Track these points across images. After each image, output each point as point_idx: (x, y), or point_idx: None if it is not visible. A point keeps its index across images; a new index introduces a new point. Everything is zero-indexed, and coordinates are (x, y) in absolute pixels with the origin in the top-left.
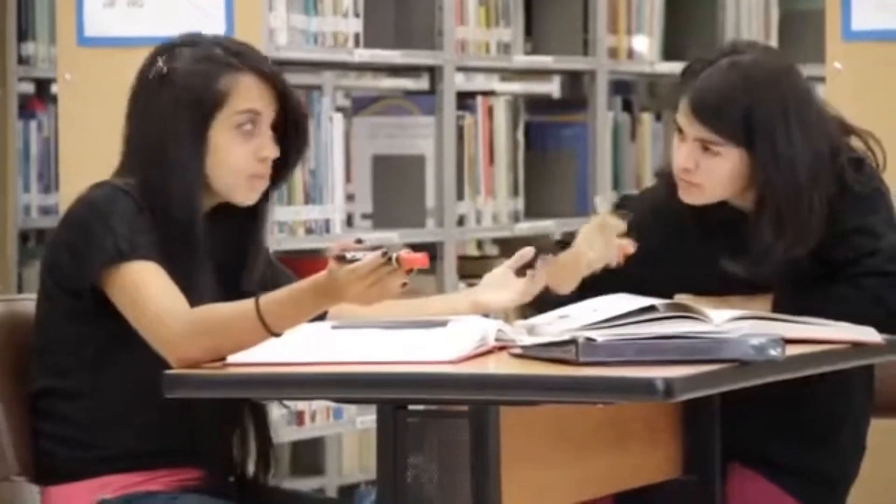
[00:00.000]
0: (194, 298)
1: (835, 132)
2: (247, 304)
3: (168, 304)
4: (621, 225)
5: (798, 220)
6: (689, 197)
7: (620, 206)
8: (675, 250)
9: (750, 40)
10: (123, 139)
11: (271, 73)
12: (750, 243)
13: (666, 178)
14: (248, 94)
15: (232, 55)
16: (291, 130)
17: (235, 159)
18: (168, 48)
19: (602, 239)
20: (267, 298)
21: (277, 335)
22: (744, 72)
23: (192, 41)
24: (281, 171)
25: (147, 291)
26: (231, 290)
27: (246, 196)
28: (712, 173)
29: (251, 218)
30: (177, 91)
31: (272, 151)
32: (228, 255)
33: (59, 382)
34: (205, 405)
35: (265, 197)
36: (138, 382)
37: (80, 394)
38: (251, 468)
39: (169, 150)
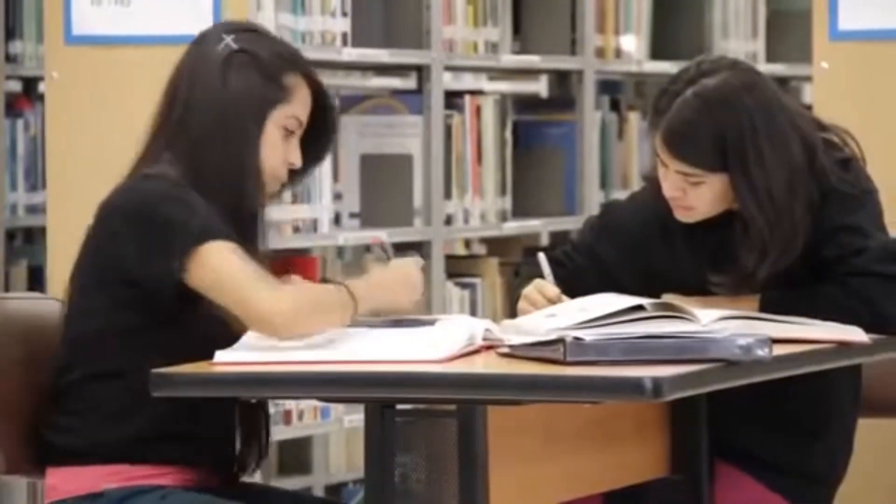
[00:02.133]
0: None
1: (810, 133)
2: (336, 286)
3: (266, 283)
4: (555, 292)
5: (780, 240)
6: (684, 217)
7: (607, 212)
8: (662, 252)
9: (716, 57)
10: (160, 118)
11: (322, 86)
12: (734, 260)
13: (651, 182)
14: (302, 101)
15: (297, 58)
16: (317, 141)
17: (271, 157)
18: (233, 29)
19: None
20: (350, 282)
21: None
22: (708, 100)
23: (254, 27)
24: (293, 176)
25: (238, 272)
26: None
27: (264, 196)
28: (700, 198)
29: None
30: (248, 73)
31: (298, 161)
32: None
33: (98, 367)
34: (209, 399)
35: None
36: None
37: (117, 375)
38: (246, 467)
39: (234, 130)
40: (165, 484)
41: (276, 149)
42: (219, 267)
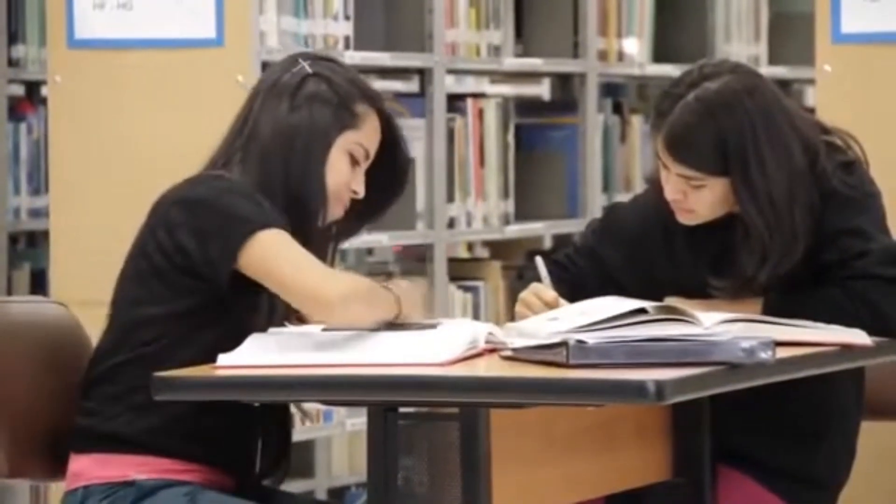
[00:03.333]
0: None
1: (812, 136)
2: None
3: (323, 269)
4: (552, 295)
5: (780, 244)
6: (685, 219)
7: (609, 214)
8: (664, 255)
9: (718, 60)
10: (234, 134)
11: (395, 122)
12: (734, 264)
13: (653, 184)
14: (371, 131)
15: (372, 91)
16: (388, 182)
17: (335, 180)
18: (311, 56)
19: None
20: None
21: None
22: (709, 105)
23: (333, 58)
24: (364, 218)
25: (297, 255)
26: None
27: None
28: (701, 201)
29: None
30: (322, 96)
31: (361, 190)
32: None
33: (142, 352)
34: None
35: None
36: (208, 360)
37: (157, 361)
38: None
39: (300, 146)
40: (191, 480)
41: (341, 173)
42: (276, 252)
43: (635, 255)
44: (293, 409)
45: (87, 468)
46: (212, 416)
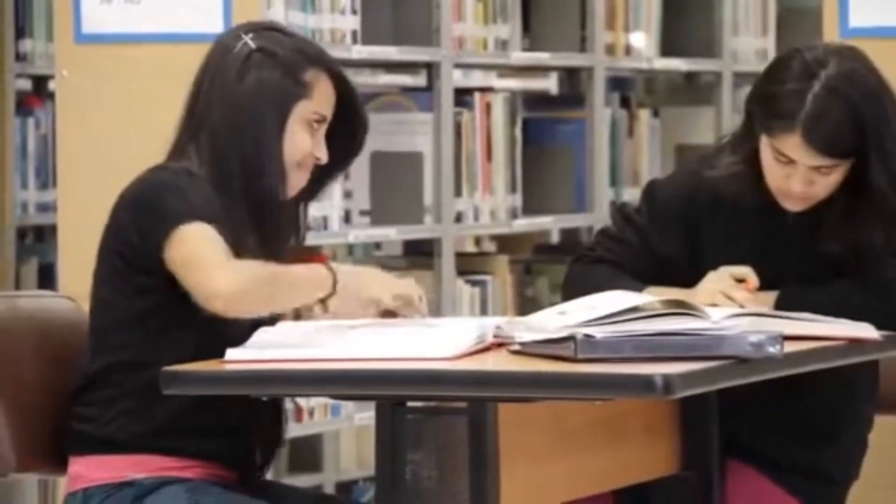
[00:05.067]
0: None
1: None
2: (312, 266)
3: (219, 257)
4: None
5: None
6: (798, 206)
7: (649, 191)
8: (706, 234)
9: (809, 45)
10: (186, 116)
11: (347, 81)
12: (857, 239)
13: (702, 163)
14: (325, 96)
15: (319, 53)
16: (348, 137)
17: (296, 146)
18: (253, 28)
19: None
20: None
21: (330, 295)
22: (837, 89)
23: (276, 27)
24: (325, 178)
25: (200, 249)
26: None
27: (291, 184)
28: (828, 186)
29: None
30: (267, 72)
31: (324, 156)
32: None
33: (120, 356)
34: (233, 397)
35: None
36: (191, 360)
37: (139, 365)
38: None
39: (252, 126)
40: (191, 477)
41: (300, 144)
42: (189, 248)
43: (676, 232)
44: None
45: (86, 470)
46: (206, 413)
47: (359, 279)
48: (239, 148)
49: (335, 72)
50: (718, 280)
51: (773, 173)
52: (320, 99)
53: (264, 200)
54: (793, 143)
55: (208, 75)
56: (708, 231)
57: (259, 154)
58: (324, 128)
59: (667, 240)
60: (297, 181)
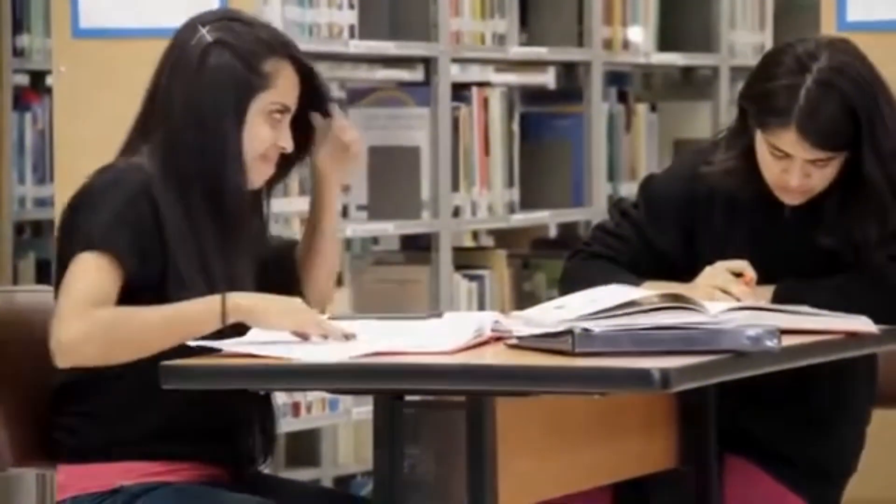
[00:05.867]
0: (229, 279)
1: None
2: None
3: (74, 306)
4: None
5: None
6: (792, 199)
7: (646, 186)
8: (703, 229)
9: (799, 39)
10: (143, 112)
11: (310, 67)
12: (851, 230)
13: (698, 158)
14: (287, 86)
15: (280, 42)
16: (311, 126)
17: (257, 139)
18: (211, 19)
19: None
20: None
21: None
22: (830, 82)
23: (234, 16)
24: (290, 165)
25: (69, 289)
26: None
27: (255, 176)
28: (824, 179)
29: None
30: (224, 64)
31: (290, 145)
32: None
33: (84, 371)
34: (219, 394)
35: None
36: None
37: (107, 377)
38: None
39: (211, 120)
40: (179, 480)
41: (261, 136)
42: (67, 281)
43: (674, 225)
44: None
45: (73, 480)
46: (191, 416)
47: (259, 313)
48: (198, 142)
49: (297, 58)
50: (716, 275)
51: (770, 168)
52: (282, 89)
53: (224, 193)
54: (788, 138)
55: (166, 70)
56: (704, 226)
57: (218, 148)
58: (288, 117)
59: (663, 235)
60: (260, 172)
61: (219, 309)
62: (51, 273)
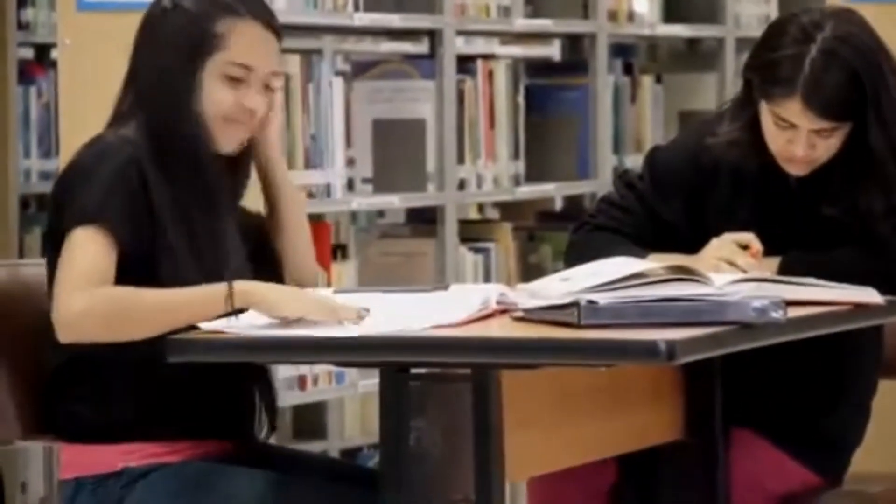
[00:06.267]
0: (215, 246)
1: None
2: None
3: (73, 283)
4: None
5: None
6: (799, 171)
7: (651, 158)
8: (708, 201)
9: (805, 10)
10: (126, 79)
11: (275, 26)
12: (789, 211)
13: (703, 130)
14: (246, 45)
15: (234, 2)
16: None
17: (215, 102)
18: None
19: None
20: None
21: (235, 310)
22: (835, 52)
23: None
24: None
25: (69, 264)
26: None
27: (223, 140)
28: (829, 149)
29: (233, 174)
30: (177, 28)
31: (257, 105)
32: None
33: (81, 347)
34: (218, 370)
35: (245, 158)
36: (152, 348)
37: (103, 359)
38: (259, 431)
39: (164, 85)
40: (182, 460)
41: (219, 98)
42: (66, 257)
43: (679, 196)
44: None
45: (77, 459)
46: (189, 394)
47: (270, 302)
48: (161, 110)
49: (261, 19)
50: (721, 246)
51: (775, 139)
52: (238, 49)
53: (187, 159)
54: (793, 108)
55: (136, 43)
56: (710, 198)
57: (176, 114)
58: (255, 77)
59: (669, 206)
60: (228, 136)
61: (224, 294)
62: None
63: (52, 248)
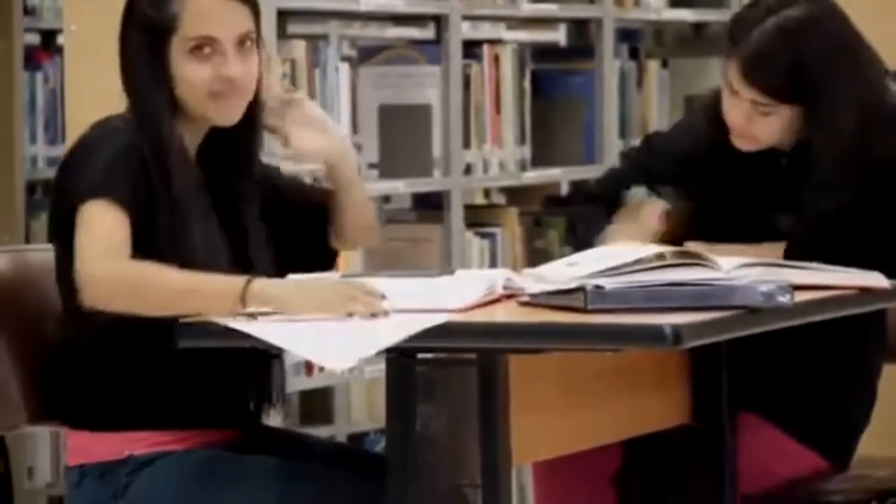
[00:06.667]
0: (191, 237)
1: (881, 69)
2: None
3: (103, 252)
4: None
5: (848, 177)
6: (744, 145)
7: (647, 143)
8: (703, 179)
9: None
10: None
11: None
12: (787, 195)
13: (707, 110)
14: (201, 19)
15: None
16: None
17: (191, 80)
18: None
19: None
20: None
21: (244, 309)
22: (790, 31)
23: None
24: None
25: (87, 235)
26: (232, 227)
27: (218, 115)
28: (767, 128)
29: (241, 148)
30: (136, 17)
31: (234, 71)
32: (225, 191)
33: (82, 330)
34: (224, 357)
35: (252, 125)
36: (156, 331)
37: (105, 335)
38: (266, 416)
39: (132, 78)
40: (187, 447)
41: (193, 76)
42: (85, 227)
43: (683, 179)
44: None
45: (83, 446)
46: (192, 381)
47: (287, 303)
48: (130, 95)
49: None
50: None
51: (724, 103)
52: (193, 22)
53: (152, 146)
54: (731, 69)
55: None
56: (704, 176)
57: (139, 100)
58: (224, 45)
59: (662, 165)
60: (222, 109)
61: (238, 293)
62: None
63: (59, 231)
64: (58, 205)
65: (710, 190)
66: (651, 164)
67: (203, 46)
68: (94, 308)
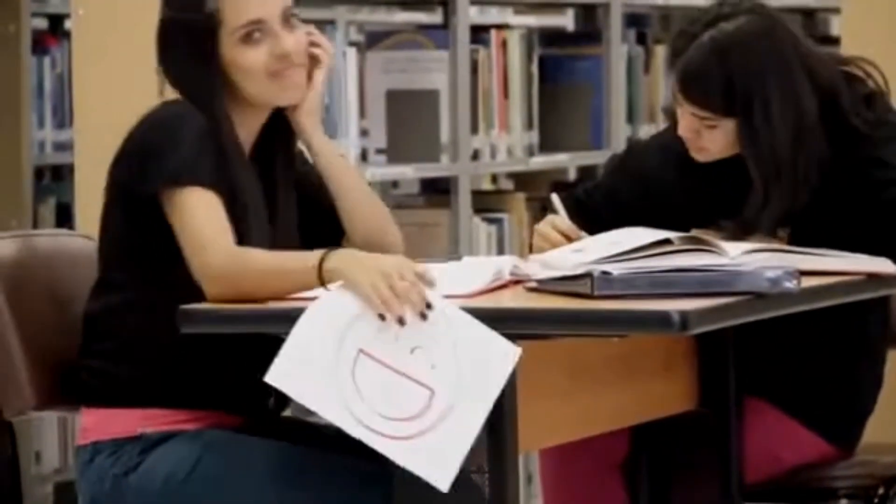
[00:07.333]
0: (244, 221)
1: (830, 78)
2: (305, 255)
3: (212, 235)
4: (567, 224)
5: (779, 193)
6: (699, 156)
7: (630, 150)
8: (680, 191)
9: (738, 0)
10: None
11: None
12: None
13: (671, 118)
14: (242, 5)
15: None
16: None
17: (249, 65)
18: None
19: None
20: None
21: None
22: (722, 45)
23: None
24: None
25: (194, 220)
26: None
27: (281, 94)
28: (714, 141)
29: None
30: (174, 29)
31: (287, 45)
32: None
33: (114, 298)
34: (242, 341)
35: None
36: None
37: (132, 308)
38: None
39: (186, 88)
40: (199, 428)
41: (250, 62)
42: (187, 214)
43: (651, 190)
44: None
45: (96, 424)
46: (211, 363)
47: (346, 273)
48: (193, 102)
49: None
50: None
51: (678, 114)
52: (234, 13)
53: (220, 136)
54: (673, 84)
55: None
56: (677, 187)
57: (193, 98)
58: (269, 25)
59: (625, 184)
60: (284, 88)
61: (315, 273)
62: (71, 217)
63: (121, 203)
64: (135, 185)
65: (678, 203)
66: (619, 180)
67: (253, 32)
68: (212, 298)
